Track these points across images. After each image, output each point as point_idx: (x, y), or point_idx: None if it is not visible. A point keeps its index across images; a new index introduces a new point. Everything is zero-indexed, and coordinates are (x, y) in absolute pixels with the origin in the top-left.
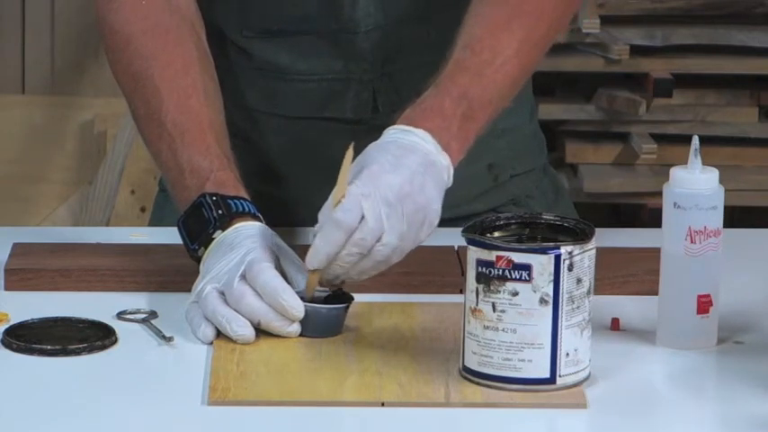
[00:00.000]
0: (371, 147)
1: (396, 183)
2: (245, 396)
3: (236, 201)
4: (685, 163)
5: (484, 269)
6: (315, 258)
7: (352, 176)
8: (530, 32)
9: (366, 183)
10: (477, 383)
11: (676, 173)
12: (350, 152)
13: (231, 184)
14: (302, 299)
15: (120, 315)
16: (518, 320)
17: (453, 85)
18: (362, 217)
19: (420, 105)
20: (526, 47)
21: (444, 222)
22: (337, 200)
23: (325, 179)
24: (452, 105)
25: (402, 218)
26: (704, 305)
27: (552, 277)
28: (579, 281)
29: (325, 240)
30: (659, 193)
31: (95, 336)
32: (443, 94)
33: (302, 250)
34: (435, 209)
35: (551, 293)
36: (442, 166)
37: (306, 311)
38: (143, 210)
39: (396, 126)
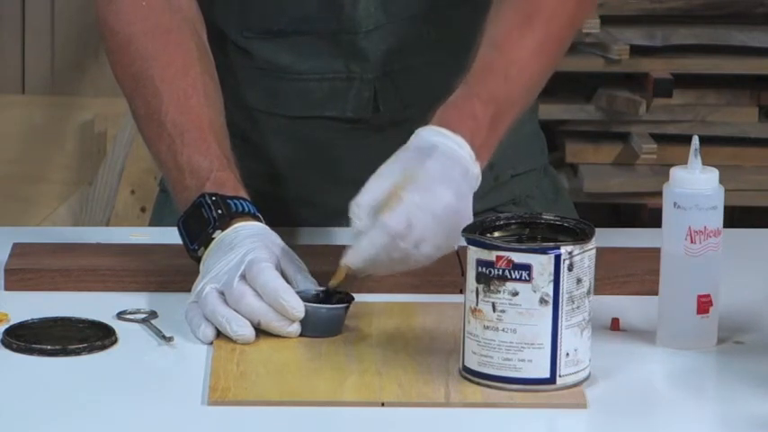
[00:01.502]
0: (412, 150)
1: (446, 197)
2: (245, 396)
3: (235, 201)
4: (685, 163)
5: (484, 269)
6: (356, 258)
7: (397, 179)
8: (550, 30)
9: (421, 193)
10: (477, 383)
11: (676, 173)
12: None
13: (231, 184)
14: (303, 299)
15: (120, 315)
16: (518, 320)
17: (482, 88)
18: (408, 225)
19: (453, 107)
20: (547, 45)
21: None
22: (387, 204)
23: (325, 178)
24: (483, 108)
25: (444, 232)
26: (704, 305)
27: (552, 277)
28: (579, 281)
29: (371, 244)
30: (659, 193)
31: (95, 336)
32: (474, 97)
33: (302, 250)
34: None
35: (551, 293)
36: (474, 176)
37: (306, 311)
38: (143, 210)
39: (431, 127)
